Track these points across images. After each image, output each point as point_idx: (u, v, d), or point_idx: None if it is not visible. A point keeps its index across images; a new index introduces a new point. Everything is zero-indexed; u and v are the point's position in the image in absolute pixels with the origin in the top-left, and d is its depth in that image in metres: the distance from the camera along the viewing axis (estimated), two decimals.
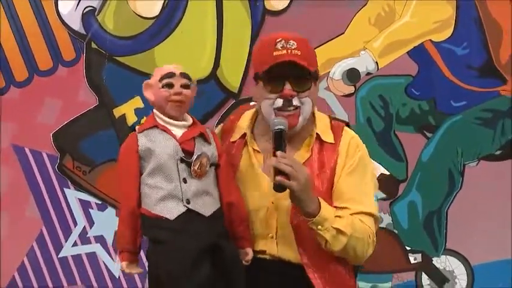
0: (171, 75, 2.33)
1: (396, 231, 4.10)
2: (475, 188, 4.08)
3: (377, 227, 2.51)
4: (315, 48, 3.80)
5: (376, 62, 4.08)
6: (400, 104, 4.10)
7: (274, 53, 2.41)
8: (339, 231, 2.37)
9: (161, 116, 2.35)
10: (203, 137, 2.37)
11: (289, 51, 2.40)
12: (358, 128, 3.98)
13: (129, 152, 2.32)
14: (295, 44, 2.41)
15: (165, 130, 2.33)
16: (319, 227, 2.35)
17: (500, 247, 4.07)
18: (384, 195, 4.06)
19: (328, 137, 2.51)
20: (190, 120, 2.38)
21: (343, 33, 4.06)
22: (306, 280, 2.44)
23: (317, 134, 2.50)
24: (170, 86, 2.32)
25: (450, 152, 4.10)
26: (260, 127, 2.53)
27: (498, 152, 4.11)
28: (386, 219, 4.06)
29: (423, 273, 4.13)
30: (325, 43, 4.03)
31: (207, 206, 2.32)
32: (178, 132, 2.34)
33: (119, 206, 2.39)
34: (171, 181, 2.29)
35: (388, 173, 4.10)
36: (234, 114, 2.71)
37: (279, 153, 2.30)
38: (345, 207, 2.44)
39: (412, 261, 4.11)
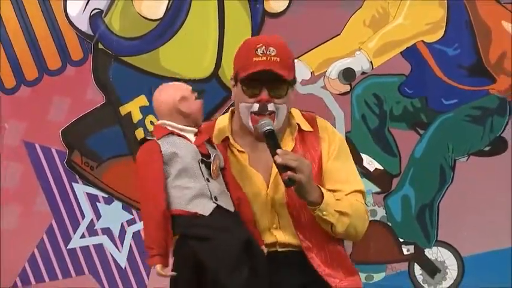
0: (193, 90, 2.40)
1: (390, 224, 4.13)
2: (465, 182, 4.11)
3: (365, 201, 2.57)
4: (312, 49, 3.97)
5: (371, 62, 4.10)
6: (393, 102, 4.12)
7: (254, 59, 2.41)
8: (342, 213, 2.42)
9: (173, 124, 2.36)
10: (210, 141, 2.41)
11: (268, 57, 2.40)
12: (353, 124, 4.10)
13: (153, 158, 2.32)
14: (275, 50, 2.41)
15: (181, 136, 2.35)
16: (324, 212, 2.39)
17: (489, 239, 4.09)
18: (378, 189, 4.12)
19: (306, 126, 2.54)
20: (195, 128, 2.42)
21: (339, 34, 4.08)
22: (308, 264, 2.48)
23: (298, 124, 2.53)
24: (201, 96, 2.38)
25: (441, 148, 4.12)
26: (237, 129, 2.56)
27: (487, 148, 4.14)
28: (381, 212, 4.10)
29: (415, 263, 4.15)
30: (322, 44, 4.06)
31: (229, 203, 2.37)
32: (191, 137, 2.36)
33: (145, 211, 2.34)
34: (198, 181, 2.32)
35: (382, 167, 4.12)
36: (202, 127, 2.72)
37: (280, 151, 2.33)
38: (338, 190, 2.48)
39: (405, 252, 4.14)
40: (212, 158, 2.34)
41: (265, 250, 2.43)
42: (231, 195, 2.41)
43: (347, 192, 2.49)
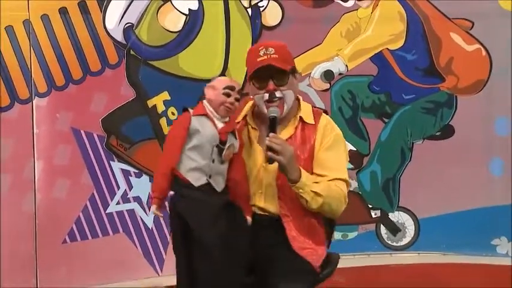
0: (232, 88, 2.49)
1: (361, 193, 4.27)
2: (420, 160, 4.25)
3: (348, 189, 2.62)
4: (300, 55, 4.02)
5: (346, 65, 4.20)
6: (364, 96, 4.24)
7: (258, 59, 2.51)
8: (316, 194, 2.50)
9: (211, 109, 2.48)
10: (233, 132, 2.52)
11: (268, 56, 2.50)
12: (332, 115, 3.84)
13: (182, 126, 2.44)
14: (273, 49, 2.51)
15: (212, 120, 2.46)
16: (301, 190, 2.48)
17: (439, 205, 4.25)
18: (351, 166, 4.20)
19: (309, 119, 2.63)
20: (228, 118, 2.52)
21: (321, 43, 4.19)
22: (280, 229, 2.56)
23: (300, 116, 2.62)
24: (228, 95, 2.47)
25: (402, 133, 4.26)
26: (256, 111, 2.66)
27: (438, 133, 4.27)
28: (354, 184, 4.22)
29: (381, 224, 4.30)
30: (307, 51, 4.15)
31: (219, 184, 2.47)
32: (220, 125, 2.47)
33: (161, 162, 2.44)
34: (204, 159, 2.43)
35: (355, 149, 4.23)
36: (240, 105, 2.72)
37: (271, 134, 2.45)
38: (324, 175, 2.55)
39: (373, 215, 4.29)
40: (227, 145, 2.46)
41: (249, 221, 2.51)
42: (229, 176, 2.49)
43: (330, 178, 2.54)
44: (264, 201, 2.60)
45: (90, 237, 3.99)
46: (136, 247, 4.04)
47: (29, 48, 3.85)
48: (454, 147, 4.25)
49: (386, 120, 4.28)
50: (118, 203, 4.04)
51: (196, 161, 2.44)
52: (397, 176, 4.28)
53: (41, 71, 3.89)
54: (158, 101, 4.04)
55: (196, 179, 2.44)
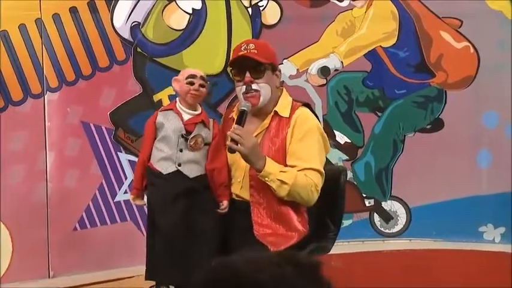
0: (193, 76, 2.63)
1: (356, 183, 4.31)
2: (412, 152, 4.30)
3: (322, 179, 2.59)
4: (297, 52, 4.12)
5: (342, 62, 4.24)
6: (358, 91, 4.28)
7: (239, 53, 2.60)
8: (282, 182, 2.52)
9: (180, 104, 2.63)
10: (203, 123, 2.61)
11: (248, 51, 2.57)
12: (328, 109, 4.26)
13: (150, 123, 2.63)
14: (254, 45, 2.58)
15: (178, 114, 2.60)
16: (266, 178, 2.52)
17: (430, 194, 4.29)
18: (347, 157, 4.28)
19: (284, 112, 2.64)
20: (199, 111, 2.64)
21: (318, 41, 4.23)
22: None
23: (275, 110, 2.65)
24: (191, 83, 2.61)
25: (394, 126, 4.30)
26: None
27: (428, 126, 4.31)
28: (349, 174, 4.18)
29: (375, 213, 4.34)
30: (304, 48, 4.21)
31: (192, 171, 2.57)
32: (186, 117, 2.59)
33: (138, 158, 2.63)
34: (171, 148, 2.54)
35: (350, 141, 4.28)
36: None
37: (234, 125, 2.50)
38: (294, 165, 2.57)
39: (367, 204, 4.33)
40: (191, 135, 2.56)
41: (225, 205, 2.62)
42: (210, 164, 2.60)
43: (300, 168, 2.55)
44: (240, 189, 2.67)
45: (98, 224, 4.01)
46: (143, 234, 3.94)
47: (41, 45, 3.88)
48: (443, 139, 4.28)
49: (379, 114, 4.32)
50: (125, 192, 4.05)
51: (164, 151, 2.57)
52: (390, 167, 4.32)
53: (53, 67, 3.91)
54: (163, 96, 4.06)
55: (165, 168, 2.56)
